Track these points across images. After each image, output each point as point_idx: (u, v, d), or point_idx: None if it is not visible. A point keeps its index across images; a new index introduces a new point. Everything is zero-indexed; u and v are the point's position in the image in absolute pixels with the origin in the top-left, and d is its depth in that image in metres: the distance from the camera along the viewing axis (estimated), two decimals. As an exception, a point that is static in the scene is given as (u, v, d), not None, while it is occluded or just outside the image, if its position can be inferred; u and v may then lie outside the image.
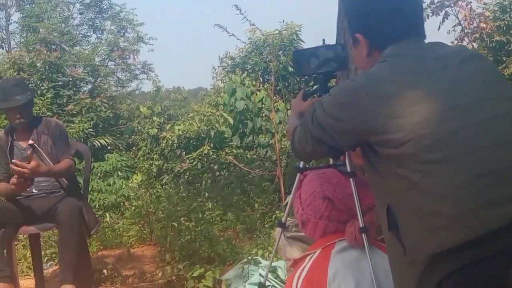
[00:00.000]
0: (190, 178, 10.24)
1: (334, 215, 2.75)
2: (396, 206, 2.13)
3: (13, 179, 5.22)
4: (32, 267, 6.06)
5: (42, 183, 5.57)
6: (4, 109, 5.76)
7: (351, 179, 2.75)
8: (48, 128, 5.63)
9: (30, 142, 5.54)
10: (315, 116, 2.29)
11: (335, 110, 2.22)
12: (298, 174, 2.96)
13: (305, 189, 2.85)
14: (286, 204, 3.31)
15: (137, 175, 11.74)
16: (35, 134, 5.58)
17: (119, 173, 11.83)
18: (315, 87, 2.96)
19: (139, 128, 12.60)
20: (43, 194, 5.58)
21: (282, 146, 9.32)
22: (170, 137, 11.17)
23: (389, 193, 2.15)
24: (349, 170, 2.80)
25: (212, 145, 10.74)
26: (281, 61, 11.34)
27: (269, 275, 4.96)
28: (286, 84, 11.29)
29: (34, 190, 5.54)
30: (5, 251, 5.41)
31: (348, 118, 2.17)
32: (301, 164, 2.98)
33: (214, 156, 10.48)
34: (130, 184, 11.32)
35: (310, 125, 2.31)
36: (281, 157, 8.49)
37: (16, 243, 6.11)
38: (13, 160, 5.24)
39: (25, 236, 6.74)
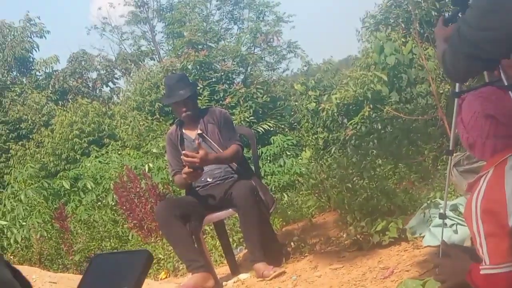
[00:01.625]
0: (357, 142, 10.21)
1: (500, 132, 2.66)
2: None
3: (185, 169, 5.47)
4: (223, 255, 6.24)
5: (215, 171, 5.76)
6: (171, 104, 6.11)
7: (510, 92, 2.65)
8: (213, 117, 5.83)
9: (199, 132, 5.77)
10: (461, 34, 2.23)
11: (482, 20, 2.15)
12: (456, 100, 2.89)
13: (466, 112, 2.77)
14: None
15: (305, 152, 11.86)
16: (202, 124, 5.79)
17: (287, 153, 12.05)
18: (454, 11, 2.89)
19: (296, 105, 12.72)
20: (218, 182, 5.76)
21: (441, 91, 9.09)
22: (329, 108, 11.17)
23: None
24: (506, 84, 2.71)
25: (371, 106, 10.66)
26: (423, 8, 11.08)
27: (452, 213, 4.88)
28: (432, 29, 11.00)
29: (208, 179, 5.74)
30: (195, 244, 5.68)
31: (499, 24, 2.09)
32: (457, 88, 2.92)
33: (376, 115, 10.40)
34: (300, 161, 11.47)
35: (458, 44, 2.26)
36: (440, 101, 8.31)
37: (204, 236, 6.36)
38: (183, 152, 5.49)
39: (211, 227, 6.98)
